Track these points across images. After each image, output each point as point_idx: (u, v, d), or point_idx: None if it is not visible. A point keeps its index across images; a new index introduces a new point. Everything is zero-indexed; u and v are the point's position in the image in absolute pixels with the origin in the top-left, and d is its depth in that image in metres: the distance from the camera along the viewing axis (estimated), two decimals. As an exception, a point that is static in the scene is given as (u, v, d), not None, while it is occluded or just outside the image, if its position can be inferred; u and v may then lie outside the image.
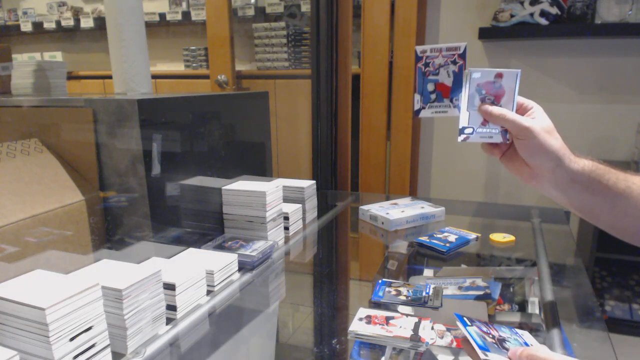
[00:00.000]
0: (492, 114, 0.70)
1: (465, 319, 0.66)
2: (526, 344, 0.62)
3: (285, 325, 0.92)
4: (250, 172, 1.28)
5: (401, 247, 1.20)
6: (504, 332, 0.64)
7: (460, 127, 0.72)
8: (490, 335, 0.62)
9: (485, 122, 0.71)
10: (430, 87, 0.74)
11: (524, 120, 0.68)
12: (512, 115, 0.69)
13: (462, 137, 0.72)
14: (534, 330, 0.76)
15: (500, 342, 0.61)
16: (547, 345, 0.61)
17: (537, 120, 0.69)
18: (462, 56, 0.72)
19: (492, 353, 0.56)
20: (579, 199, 0.70)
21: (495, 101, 0.71)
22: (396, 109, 2.20)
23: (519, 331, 0.66)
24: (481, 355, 0.55)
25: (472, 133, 0.72)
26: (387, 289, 0.89)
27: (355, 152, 2.20)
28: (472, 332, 0.61)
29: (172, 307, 0.78)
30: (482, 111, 0.71)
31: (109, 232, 0.94)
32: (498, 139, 0.72)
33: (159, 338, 0.73)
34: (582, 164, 0.69)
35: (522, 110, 0.72)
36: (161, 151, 0.93)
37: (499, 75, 0.70)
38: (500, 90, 0.71)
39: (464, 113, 0.71)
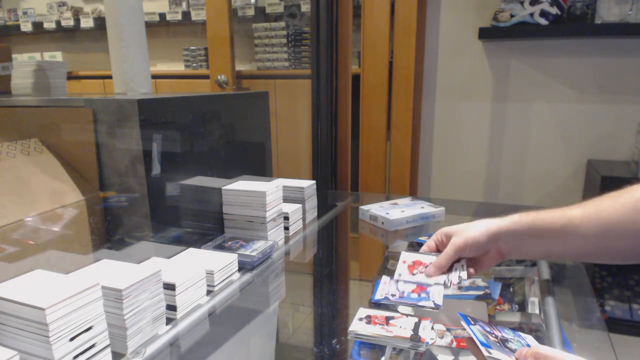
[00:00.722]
0: (431, 273, 0.80)
1: (469, 318, 0.66)
2: (528, 346, 0.63)
3: (285, 325, 0.92)
4: (250, 172, 1.28)
5: (401, 247, 1.20)
6: (507, 334, 0.65)
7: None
8: (493, 335, 0.63)
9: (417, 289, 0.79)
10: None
11: (447, 255, 0.78)
12: (437, 262, 0.79)
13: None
14: (534, 330, 0.76)
15: (503, 342, 0.61)
16: (547, 345, 0.61)
17: (453, 240, 0.78)
18: None
19: (495, 350, 0.56)
20: (533, 248, 0.75)
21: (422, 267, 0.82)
22: (396, 109, 2.20)
23: (522, 334, 0.67)
24: (484, 352, 0.54)
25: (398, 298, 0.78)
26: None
27: (355, 152, 2.20)
28: (475, 331, 0.61)
29: (172, 307, 0.78)
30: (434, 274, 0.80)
31: (109, 232, 0.94)
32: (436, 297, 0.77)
33: (159, 338, 0.73)
34: (513, 218, 0.75)
35: (446, 240, 0.82)
36: (161, 151, 0.93)
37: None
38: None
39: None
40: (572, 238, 0.70)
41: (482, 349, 0.56)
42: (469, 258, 0.81)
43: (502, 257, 0.79)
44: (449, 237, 0.82)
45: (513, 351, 0.59)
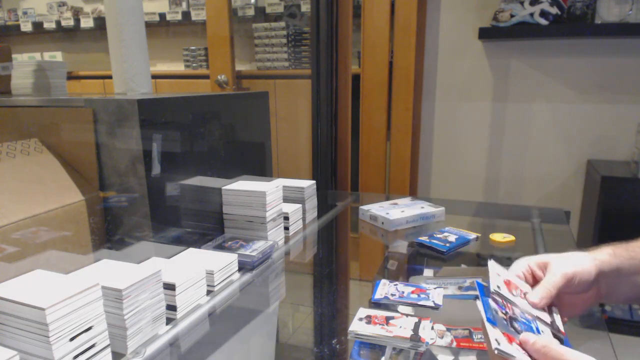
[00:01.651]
0: (538, 304, 0.63)
1: (485, 289, 0.60)
2: (538, 331, 0.58)
3: (285, 325, 0.92)
4: (250, 172, 1.28)
5: (401, 247, 1.20)
6: (521, 317, 0.59)
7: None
8: (503, 311, 0.58)
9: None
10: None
11: (556, 285, 0.63)
12: (546, 292, 0.63)
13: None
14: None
15: (511, 320, 0.57)
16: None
17: (562, 270, 0.64)
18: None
19: (504, 342, 0.53)
20: (627, 288, 0.66)
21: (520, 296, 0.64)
22: (396, 109, 2.20)
23: (540, 324, 0.60)
24: (493, 344, 0.52)
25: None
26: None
27: (355, 152, 2.20)
28: (486, 302, 0.57)
29: (172, 307, 0.78)
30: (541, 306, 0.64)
31: (109, 232, 0.94)
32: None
33: (159, 338, 0.73)
34: (608, 251, 0.66)
35: (539, 271, 0.67)
36: (161, 151, 0.93)
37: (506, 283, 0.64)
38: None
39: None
40: None
41: (487, 324, 0.54)
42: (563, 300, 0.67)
43: (598, 300, 0.68)
44: (543, 267, 0.68)
45: (518, 332, 0.55)
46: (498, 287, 0.62)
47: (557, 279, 0.63)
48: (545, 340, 0.52)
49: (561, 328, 0.61)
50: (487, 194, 2.33)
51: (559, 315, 0.64)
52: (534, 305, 0.62)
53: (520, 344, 0.54)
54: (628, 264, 0.64)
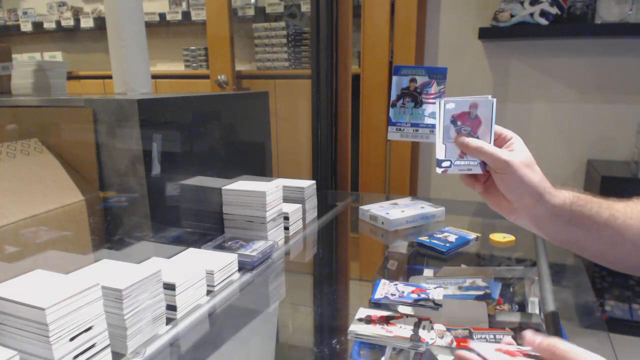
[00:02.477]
0: (468, 147, 0.67)
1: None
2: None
3: (285, 325, 0.92)
4: (250, 172, 1.28)
5: (401, 247, 1.20)
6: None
7: (437, 159, 0.69)
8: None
9: (463, 154, 0.68)
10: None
11: (502, 153, 0.65)
12: (489, 148, 0.66)
13: (441, 170, 0.69)
14: (534, 330, 0.76)
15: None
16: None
17: (516, 153, 0.65)
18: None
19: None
20: (562, 233, 0.67)
21: (472, 132, 0.68)
22: (396, 109, 2.19)
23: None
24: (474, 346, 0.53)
25: (449, 166, 0.69)
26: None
27: (355, 152, 2.20)
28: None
29: (172, 307, 0.78)
30: (458, 143, 0.68)
31: (109, 232, 0.94)
32: (477, 170, 0.69)
33: (159, 338, 0.73)
34: (563, 197, 0.66)
35: (500, 140, 0.69)
36: (161, 151, 0.93)
37: (474, 105, 0.68)
38: (476, 121, 0.68)
39: (440, 145, 0.68)
40: (612, 235, 0.63)
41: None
42: (493, 190, 0.69)
43: (514, 217, 0.68)
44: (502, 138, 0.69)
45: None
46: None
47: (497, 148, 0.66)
48: (551, 339, 0.52)
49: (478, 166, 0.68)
50: (487, 194, 2.33)
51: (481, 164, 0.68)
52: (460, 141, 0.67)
53: (526, 343, 0.53)
54: (577, 216, 0.64)
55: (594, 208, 0.65)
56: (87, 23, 3.27)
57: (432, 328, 0.74)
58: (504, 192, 0.67)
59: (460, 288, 0.90)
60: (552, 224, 0.66)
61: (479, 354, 0.53)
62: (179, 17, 3.06)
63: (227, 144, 1.17)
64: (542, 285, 0.91)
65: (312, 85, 1.85)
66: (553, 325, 0.75)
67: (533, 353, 0.53)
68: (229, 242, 1.05)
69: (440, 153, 0.69)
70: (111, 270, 0.72)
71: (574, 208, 0.65)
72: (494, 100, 0.68)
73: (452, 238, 1.16)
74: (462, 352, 0.55)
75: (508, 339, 0.58)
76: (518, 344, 0.57)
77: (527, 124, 2.20)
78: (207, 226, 1.09)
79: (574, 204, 0.65)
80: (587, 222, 0.65)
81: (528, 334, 0.54)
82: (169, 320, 0.77)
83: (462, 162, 0.69)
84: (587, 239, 0.65)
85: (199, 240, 1.05)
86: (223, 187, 1.10)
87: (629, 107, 2.05)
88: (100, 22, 3.24)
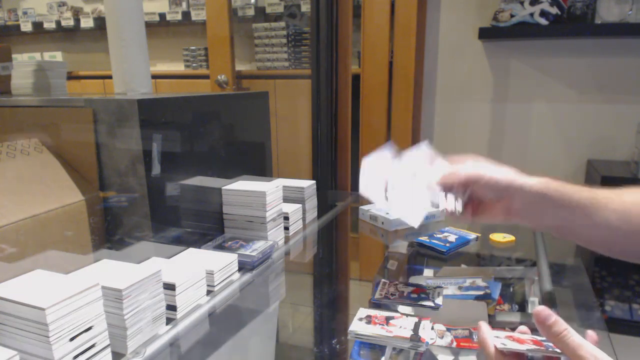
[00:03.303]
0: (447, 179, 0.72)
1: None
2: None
3: (285, 325, 0.92)
4: (250, 172, 1.28)
5: (401, 247, 1.20)
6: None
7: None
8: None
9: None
10: None
11: (458, 175, 0.70)
12: (462, 170, 0.71)
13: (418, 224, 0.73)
14: (534, 330, 0.76)
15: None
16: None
17: (473, 169, 0.71)
18: None
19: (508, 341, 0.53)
20: (549, 217, 0.68)
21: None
22: (396, 109, 2.20)
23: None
24: (499, 345, 0.52)
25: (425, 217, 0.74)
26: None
27: (355, 152, 2.20)
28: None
29: (172, 307, 0.78)
30: (441, 185, 0.72)
31: (109, 232, 0.94)
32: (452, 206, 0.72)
33: (159, 338, 0.73)
34: (539, 180, 0.68)
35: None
36: (161, 151, 0.93)
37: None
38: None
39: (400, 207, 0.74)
40: (595, 216, 0.63)
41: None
42: (474, 201, 0.73)
43: (508, 216, 0.71)
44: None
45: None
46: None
47: (461, 173, 0.70)
48: (566, 326, 0.49)
49: (459, 208, 0.70)
50: (487, 194, 2.33)
51: (459, 201, 0.71)
52: (430, 187, 0.72)
53: (535, 320, 0.51)
54: (557, 196, 0.65)
55: (573, 188, 0.66)
56: (87, 23, 3.27)
57: (432, 328, 0.74)
58: (492, 198, 0.71)
59: (460, 288, 0.90)
60: (539, 210, 0.67)
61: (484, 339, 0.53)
62: (179, 17, 3.06)
63: (227, 144, 1.17)
64: (542, 285, 0.91)
65: (312, 85, 1.85)
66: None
67: (546, 342, 0.51)
68: (229, 242, 1.05)
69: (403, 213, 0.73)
70: (111, 270, 0.72)
71: (552, 187, 0.66)
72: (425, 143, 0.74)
73: (452, 238, 1.16)
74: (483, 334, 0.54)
75: (523, 328, 0.57)
76: (532, 334, 0.57)
77: (527, 124, 2.20)
78: (207, 226, 1.09)
79: (551, 184, 0.67)
80: (570, 202, 0.65)
81: (541, 311, 0.50)
82: (169, 320, 0.77)
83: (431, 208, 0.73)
84: (573, 219, 0.66)
85: (199, 240, 1.05)
86: (223, 187, 1.10)
87: (629, 107, 2.05)
88: (100, 22, 3.24)
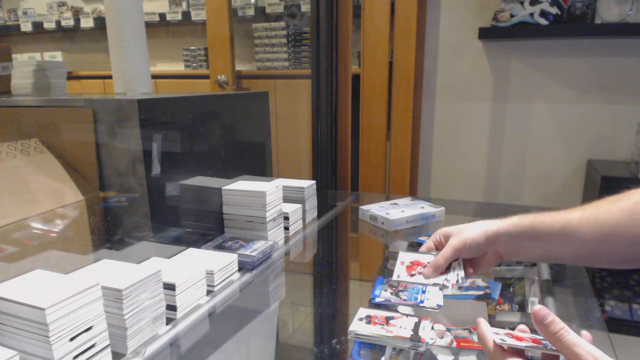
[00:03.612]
0: (429, 274, 0.82)
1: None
2: (424, 292, 0.78)
3: (285, 325, 0.92)
4: (250, 172, 1.28)
5: (401, 247, 1.20)
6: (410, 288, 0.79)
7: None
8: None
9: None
10: None
11: (444, 256, 0.80)
12: (435, 263, 0.82)
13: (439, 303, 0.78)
14: (533, 330, 0.76)
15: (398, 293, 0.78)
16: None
17: (451, 241, 0.80)
18: None
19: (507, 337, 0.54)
20: (531, 250, 0.75)
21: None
22: (396, 109, 2.20)
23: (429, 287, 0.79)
24: (497, 340, 0.53)
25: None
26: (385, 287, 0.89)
27: (355, 152, 2.20)
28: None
29: (172, 307, 0.78)
30: (425, 275, 0.82)
31: (109, 232, 0.94)
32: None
33: (159, 338, 0.73)
34: (512, 220, 0.76)
35: (444, 240, 0.84)
36: (161, 151, 0.93)
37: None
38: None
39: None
40: (570, 241, 0.69)
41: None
42: (468, 259, 0.81)
43: (500, 259, 0.80)
44: (447, 238, 0.82)
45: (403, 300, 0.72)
46: (398, 276, 0.84)
47: (446, 250, 0.79)
48: (563, 325, 0.49)
49: (462, 276, 0.78)
50: (487, 194, 2.33)
51: (461, 269, 0.79)
52: (426, 276, 0.81)
53: (535, 320, 0.51)
54: (527, 230, 0.73)
55: (546, 220, 0.72)
56: (87, 23, 3.27)
57: (432, 328, 0.74)
58: (474, 256, 0.81)
59: (460, 288, 0.90)
60: (519, 246, 0.75)
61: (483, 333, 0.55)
62: (179, 17, 3.06)
63: (227, 144, 1.17)
64: (542, 285, 0.91)
65: (312, 85, 1.85)
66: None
67: (544, 341, 0.52)
68: (229, 242, 1.05)
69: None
70: (111, 270, 0.72)
71: (526, 223, 0.74)
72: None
73: (452, 238, 1.16)
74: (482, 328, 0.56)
75: (523, 327, 0.58)
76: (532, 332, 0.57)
77: (527, 124, 2.20)
78: (207, 226, 1.09)
79: (524, 221, 0.74)
80: (546, 233, 0.72)
81: (539, 311, 0.50)
82: (169, 320, 0.77)
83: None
84: (555, 247, 0.72)
85: (199, 240, 1.05)
86: (223, 187, 1.10)
87: (629, 107, 2.05)
88: (100, 22, 3.24)
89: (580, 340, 0.48)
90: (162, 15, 3.10)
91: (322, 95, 1.84)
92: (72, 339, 0.59)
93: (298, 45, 2.72)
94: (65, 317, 0.58)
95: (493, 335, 0.54)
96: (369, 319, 0.75)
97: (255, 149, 1.34)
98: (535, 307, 0.51)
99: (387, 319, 0.75)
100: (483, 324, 0.56)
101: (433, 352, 0.70)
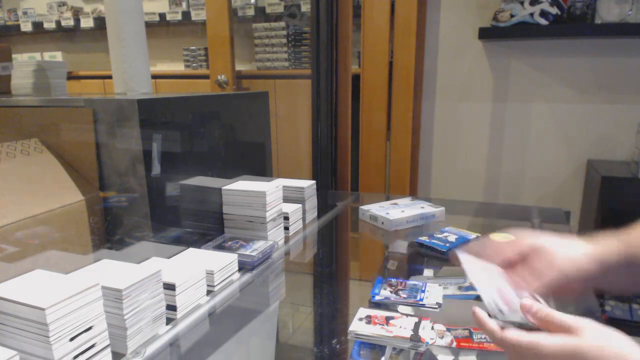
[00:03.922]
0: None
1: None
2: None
3: (285, 325, 0.92)
4: (250, 172, 1.28)
5: (401, 247, 1.20)
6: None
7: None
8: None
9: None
10: None
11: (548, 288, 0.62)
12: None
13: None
14: (533, 330, 0.76)
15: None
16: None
17: (556, 270, 0.62)
18: None
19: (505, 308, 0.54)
20: (628, 278, 0.63)
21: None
22: (396, 109, 2.20)
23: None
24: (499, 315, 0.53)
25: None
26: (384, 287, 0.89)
27: (355, 152, 2.20)
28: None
29: (172, 307, 0.78)
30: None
31: (109, 232, 0.94)
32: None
33: (159, 338, 0.73)
34: (615, 247, 0.63)
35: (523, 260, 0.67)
36: (161, 151, 0.93)
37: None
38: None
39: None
40: None
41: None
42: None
43: (588, 288, 0.66)
44: (536, 251, 0.65)
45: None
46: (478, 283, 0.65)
47: (552, 279, 0.61)
48: (551, 310, 0.52)
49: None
50: (487, 194, 2.33)
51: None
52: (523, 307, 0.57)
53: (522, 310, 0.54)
54: (635, 260, 0.61)
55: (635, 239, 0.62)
56: (87, 23, 3.27)
57: (432, 328, 0.74)
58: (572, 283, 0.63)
59: (460, 288, 0.90)
60: (626, 277, 0.63)
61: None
62: (179, 17, 3.06)
63: (227, 144, 1.17)
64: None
65: (312, 85, 1.85)
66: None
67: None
68: (229, 242, 1.05)
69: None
70: (111, 270, 0.72)
71: (630, 252, 0.62)
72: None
73: (452, 238, 1.16)
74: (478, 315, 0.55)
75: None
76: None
77: (527, 124, 2.20)
78: (207, 226, 1.09)
79: (628, 249, 0.63)
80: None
81: (524, 300, 0.54)
82: (169, 320, 0.77)
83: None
84: None
85: (199, 240, 1.05)
86: (223, 187, 1.10)
87: (629, 107, 2.05)
88: (100, 22, 3.24)
89: (567, 316, 0.51)
90: (162, 15, 3.10)
91: (322, 95, 1.84)
92: (72, 339, 0.59)
93: (298, 45, 2.72)
94: (65, 317, 0.58)
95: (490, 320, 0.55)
96: (369, 319, 0.75)
97: (255, 149, 1.34)
98: (522, 300, 0.54)
99: (387, 319, 0.75)
100: (478, 310, 0.57)
101: (433, 352, 0.70)
